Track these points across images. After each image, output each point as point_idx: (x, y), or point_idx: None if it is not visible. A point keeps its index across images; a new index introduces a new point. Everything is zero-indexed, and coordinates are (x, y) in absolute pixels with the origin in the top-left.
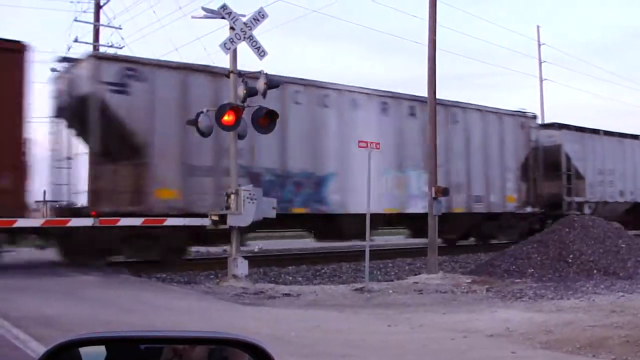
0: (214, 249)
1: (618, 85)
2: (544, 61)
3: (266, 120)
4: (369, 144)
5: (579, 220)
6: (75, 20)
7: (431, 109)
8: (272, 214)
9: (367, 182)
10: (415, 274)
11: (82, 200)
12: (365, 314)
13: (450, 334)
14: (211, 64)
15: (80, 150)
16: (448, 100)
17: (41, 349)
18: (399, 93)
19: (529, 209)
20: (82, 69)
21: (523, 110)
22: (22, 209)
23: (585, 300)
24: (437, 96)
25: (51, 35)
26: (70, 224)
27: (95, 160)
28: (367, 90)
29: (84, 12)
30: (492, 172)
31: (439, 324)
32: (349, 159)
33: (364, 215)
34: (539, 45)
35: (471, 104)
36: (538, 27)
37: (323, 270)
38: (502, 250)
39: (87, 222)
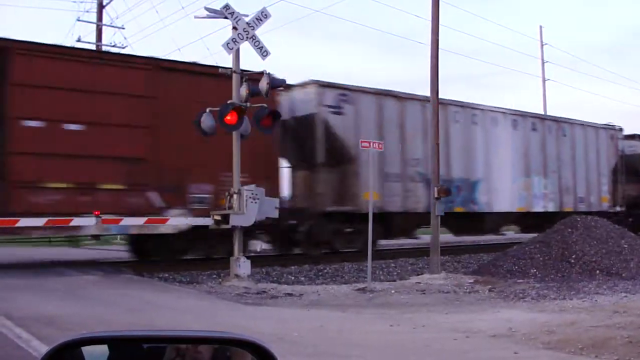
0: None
1: (622, 86)
2: (547, 61)
3: (268, 120)
4: (371, 144)
5: (582, 220)
6: (78, 20)
7: (434, 109)
8: (275, 214)
9: (370, 181)
10: (418, 274)
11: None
12: (367, 314)
13: (452, 334)
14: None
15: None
16: (559, 117)
17: (43, 349)
18: (524, 111)
19: (617, 208)
20: (303, 94)
21: (612, 124)
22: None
23: (587, 301)
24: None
25: (54, 34)
26: (72, 224)
27: (319, 169)
28: (502, 110)
29: (87, 11)
30: (591, 177)
31: (441, 324)
32: (492, 166)
33: (504, 213)
34: (542, 45)
35: (576, 120)
36: (540, 27)
37: (325, 270)
38: (505, 250)
39: (89, 221)
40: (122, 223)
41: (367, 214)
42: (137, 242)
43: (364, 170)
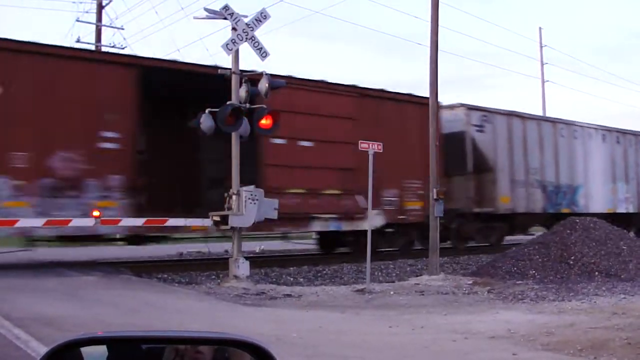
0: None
1: (620, 87)
2: (546, 63)
3: (269, 121)
4: (370, 145)
5: (581, 222)
6: (77, 20)
7: (432, 110)
8: (274, 215)
9: (369, 183)
10: (417, 275)
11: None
12: (366, 315)
13: (451, 336)
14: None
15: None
16: (637, 131)
17: (42, 349)
18: (610, 127)
19: None
20: (451, 114)
21: None
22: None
23: (586, 302)
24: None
25: (53, 35)
26: (71, 224)
27: (467, 177)
28: (594, 126)
29: (86, 12)
30: None
31: (440, 326)
32: (588, 174)
33: (597, 213)
34: (541, 47)
35: None
36: (540, 28)
37: (324, 271)
38: (504, 251)
39: (89, 222)
40: (121, 224)
41: (501, 215)
42: (323, 238)
43: (500, 178)
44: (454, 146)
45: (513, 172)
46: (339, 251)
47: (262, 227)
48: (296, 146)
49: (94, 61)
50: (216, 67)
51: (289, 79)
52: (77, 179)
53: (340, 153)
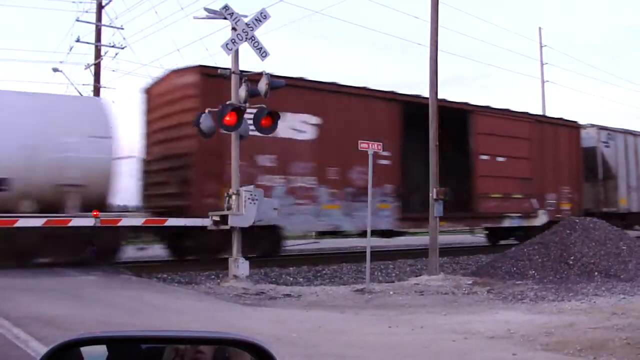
0: None
1: (619, 87)
2: (546, 63)
3: (268, 121)
4: (370, 145)
5: (580, 222)
6: (77, 20)
7: (432, 110)
8: (273, 215)
9: (369, 184)
10: (416, 275)
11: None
12: (366, 315)
13: (451, 336)
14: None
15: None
16: None
17: (42, 349)
18: None
19: None
20: (584, 133)
21: None
22: (580, 213)
23: (586, 302)
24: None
25: (53, 34)
26: (70, 224)
27: (598, 183)
28: None
29: (86, 12)
30: None
31: (439, 326)
32: None
33: None
34: (541, 47)
35: None
36: (540, 28)
37: (324, 271)
38: (503, 251)
39: (88, 222)
40: (120, 224)
41: (621, 214)
42: (492, 232)
43: (620, 184)
44: (588, 159)
45: (628, 180)
46: (504, 242)
47: (475, 222)
48: (495, 161)
49: (372, 97)
50: (444, 100)
51: (488, 109)
52: (367, 187)
53: (521, 166)
